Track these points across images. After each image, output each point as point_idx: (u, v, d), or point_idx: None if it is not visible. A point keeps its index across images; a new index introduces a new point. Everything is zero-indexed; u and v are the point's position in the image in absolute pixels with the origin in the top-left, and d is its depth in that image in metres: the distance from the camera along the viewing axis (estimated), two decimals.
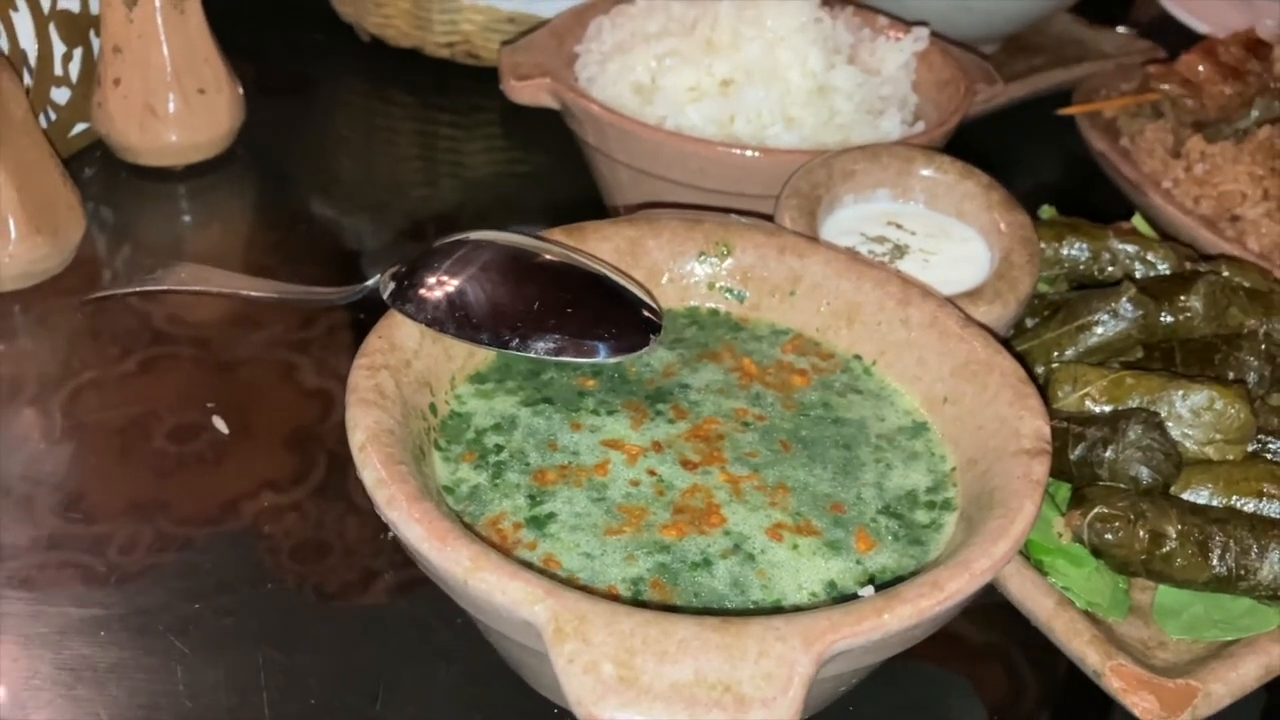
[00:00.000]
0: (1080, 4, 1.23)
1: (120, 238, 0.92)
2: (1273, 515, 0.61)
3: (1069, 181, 1.12)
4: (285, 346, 0.80)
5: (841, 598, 0.50)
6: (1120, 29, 1.29)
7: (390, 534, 0.66)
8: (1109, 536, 0.59)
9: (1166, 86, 1.03)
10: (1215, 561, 0.58)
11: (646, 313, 0.61)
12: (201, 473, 0.70)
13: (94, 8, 0.94)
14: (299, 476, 0.70)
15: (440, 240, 0.61)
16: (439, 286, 0.58)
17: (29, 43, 0.90)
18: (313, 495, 0.69)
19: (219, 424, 0.73)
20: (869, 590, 0.49)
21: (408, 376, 0.55)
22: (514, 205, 1.02)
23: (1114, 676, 0.55)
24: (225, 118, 0.97)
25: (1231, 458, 0.63)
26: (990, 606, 0.63)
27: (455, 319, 0.57)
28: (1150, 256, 0.76)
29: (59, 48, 0.93)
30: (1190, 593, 0.60)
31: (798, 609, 0.48)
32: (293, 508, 0.68)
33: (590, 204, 0.94)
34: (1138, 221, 0.87)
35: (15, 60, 0.88)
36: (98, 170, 0.97)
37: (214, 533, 0.66)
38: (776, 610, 0.49)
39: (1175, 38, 1.25)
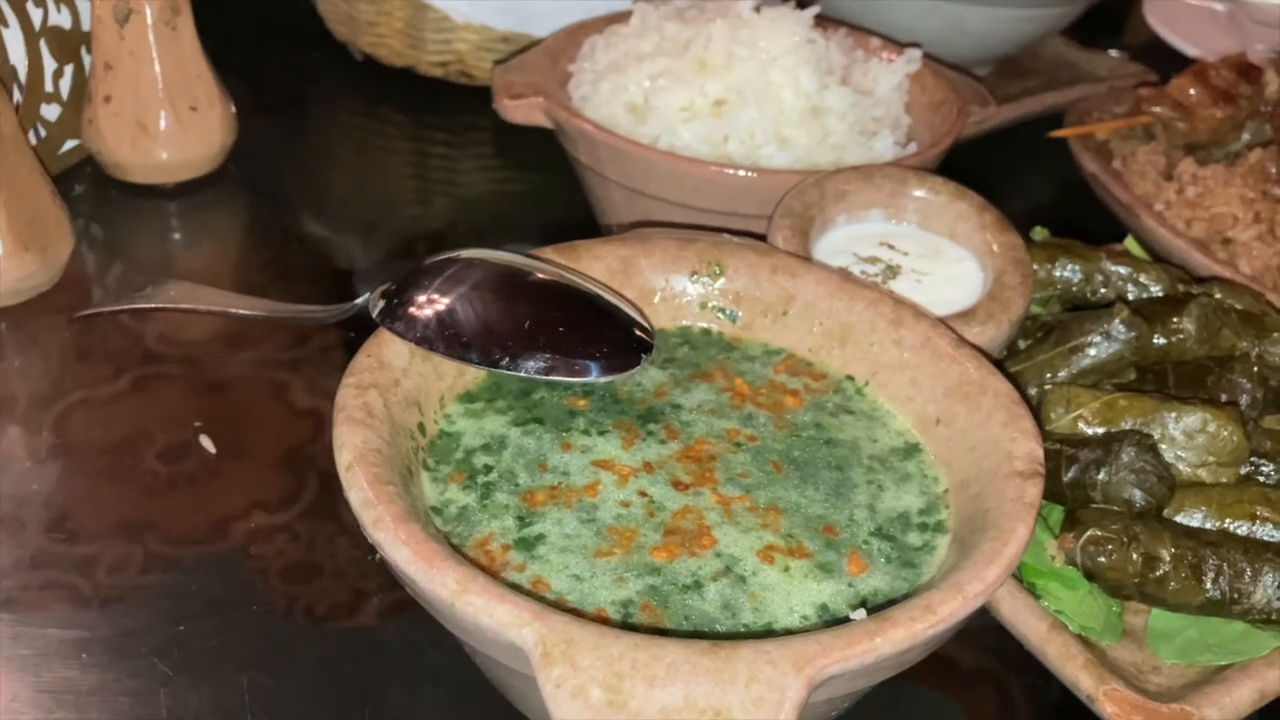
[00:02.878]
0: (1073, 27, 1.24)
1: (110, 255, 0.92)
2: (1266, 538, 0.60)
3: (1061, 203, 1.12)
4: (275, 366, 0.80)
5: (833, 620, 0.49)
6: (1112, 52, 1.29)
7: (378, 555, 0.65)
8: (1102, 559, 0.58)
9: (1158, 109, 1.04)
10: (1209, 585, 0.58)
11: (638, 332, 0.61)
12: (188, 493, 0.69)
13: (85, 24, 0.94)
14: (288, 497, 0.70)
15: (431, 258, 0.61)
16: (429, 305, 0.57)
17: (19, 59, 0.90)
18: (301, 516, 0.68)
19: (206, 444, 0.72)
20: (861, 613, 0.49)
21: (396, 395, 0.54)
22: (507, 224, 1.02)
23: (1108, 701, 0.55)
24: (217, 135, 0.96)
25: (1225, 480, 0.63)
26: (982, 629, 0.62)
27: (445, 337, 0.57)
28: (1143, 278, 0.76)
29: (50, 64, 0.93)
30: (1184, 617, 0.60)
31: (789, 632, 0.48)
32: (281, 529, 0.67)
33: (583, 223, 0.94)
34: (1130, 244, 0.87)
35: (5, 76, 0.88)
36: (87, 187, 0.97)
37: (201, 553, 0.65)
38: (768, 633, 0.48)
39: (1166, 61, 1.25)
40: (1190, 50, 1.32)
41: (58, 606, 0.62)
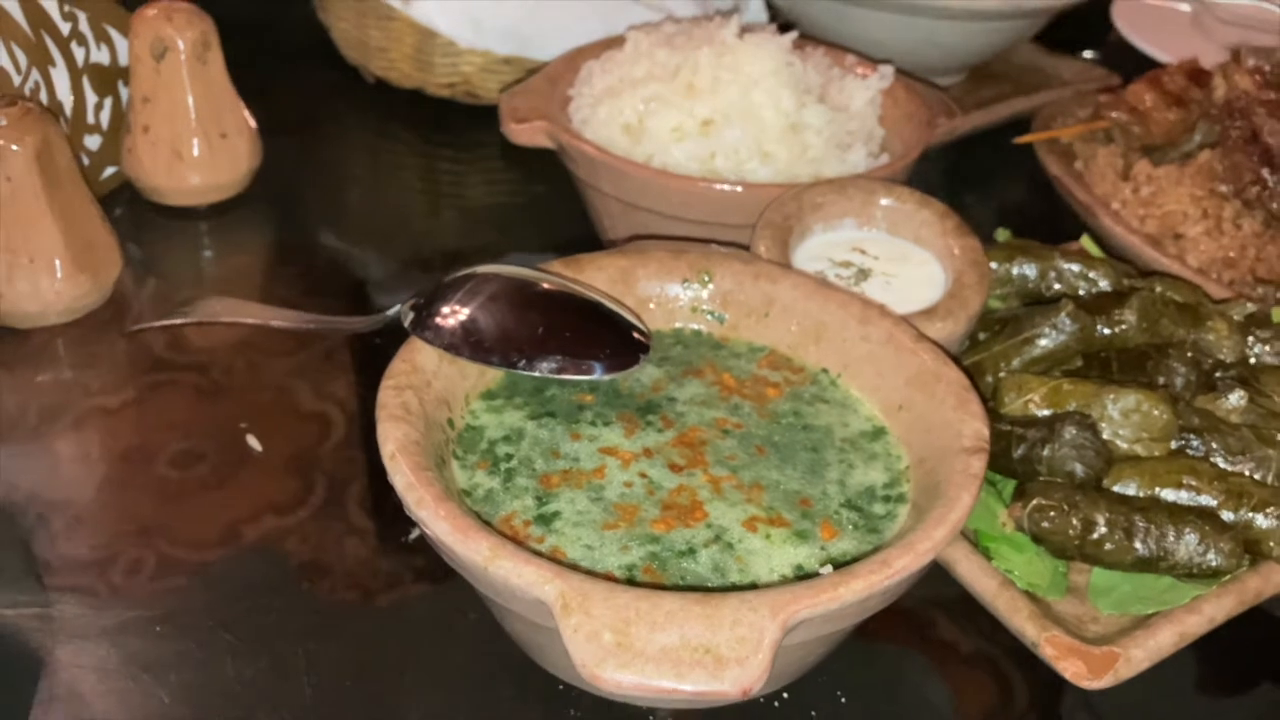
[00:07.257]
0: (1050, 31, 1.29)
1: (150, 273, 0.98)
2: (1190, 504, 0.68)
3: (1028, 204, 1.18)
4: (309, 372, 0.88)
5: (806, 578, 0.57)
6: (1086, 53, 1.36)
7: (410, 537, 0.74)
8: (1045, 525, 0.67)
9: (1115, 114, 1.11)
10: (1139, 545, 0.66)
11: (636, 334, 0.69)
12: (234, 489, 0.77)
13: (123, 61, 1.02)
14: (323, 494, 0.77)
15: (450, 275, 0.69)
16: (453, 315, 0.66)
17: (65, 94, 0.98)
18: (343, 507, 0.76)
19: (253, 442, 0.80)
20: (828, 569, 0.57)
21: (429, 395, 0.62)
22: (513, 234, 1.09)
23: (1048, 646, 0.63)
24: (245, 160, 1.04)
25: (1157, 454, 0.71)
26: (949, 599, 0.70)
27: (469, 343, 0.65)
28: (1092, 274, 0.84)
29: (91, 98, 1.01)
30: (1119, 573, 0.68)
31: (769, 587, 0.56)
32: (323, 519, 0.75)
33: (584, 231, 1.01)
34: (1085, 241, 0.94)
35: (53, 112, 0.96)
36: (126, 210, 1.04)
37: (255, 541, 0.73)
38: (751, 588, 0.56)
39: (1138, 64, 1.29)
40: (1155, 53, 1.38)
41: (129, 591, 0.70)
